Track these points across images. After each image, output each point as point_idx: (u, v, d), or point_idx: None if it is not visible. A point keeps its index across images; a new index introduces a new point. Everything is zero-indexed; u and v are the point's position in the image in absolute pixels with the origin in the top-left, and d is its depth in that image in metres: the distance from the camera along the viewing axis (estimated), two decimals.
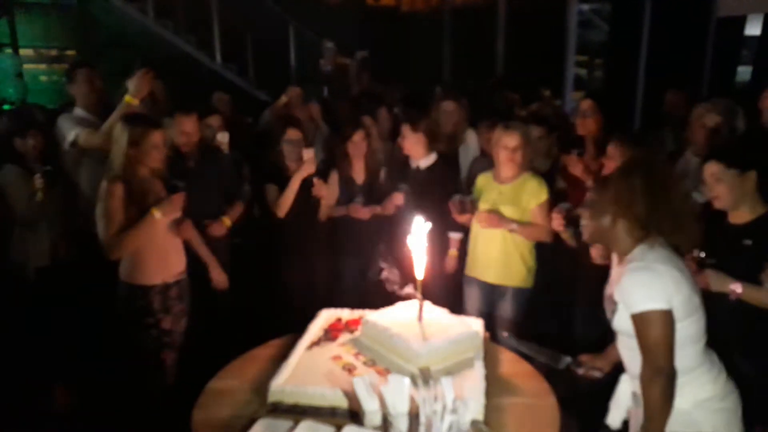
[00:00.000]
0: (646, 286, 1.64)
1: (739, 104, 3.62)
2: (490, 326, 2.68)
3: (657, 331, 1.63)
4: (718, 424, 1.72)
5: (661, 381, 1.63)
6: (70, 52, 8.68)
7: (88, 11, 7.42)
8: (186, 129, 3.04)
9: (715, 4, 7.08)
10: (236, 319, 3.14)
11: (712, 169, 2.08)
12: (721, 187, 2.06)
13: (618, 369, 1.96)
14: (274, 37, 7.39)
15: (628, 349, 1.79)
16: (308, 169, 3.15)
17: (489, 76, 7.87)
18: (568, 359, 2.06)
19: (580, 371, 2.01)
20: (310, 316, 2.54)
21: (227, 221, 3.21)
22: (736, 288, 1.94)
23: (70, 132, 3.02)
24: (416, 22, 9.51)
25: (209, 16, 6.94)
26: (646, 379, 1.66)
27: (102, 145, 2.79)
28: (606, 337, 2.01)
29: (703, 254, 1.99)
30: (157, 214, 2.47)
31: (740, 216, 2.09)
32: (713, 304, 1.98)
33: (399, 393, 1.77)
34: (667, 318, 1.63)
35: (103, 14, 7.36)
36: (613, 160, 2.42)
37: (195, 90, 5.96)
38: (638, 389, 1.74)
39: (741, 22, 7.22)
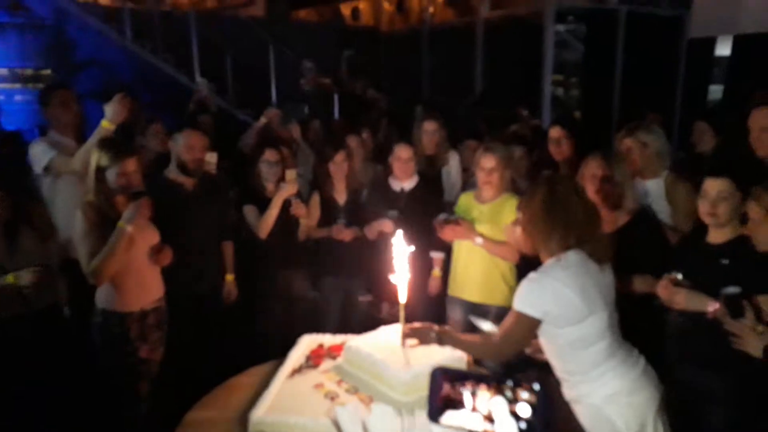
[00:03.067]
0: (526, 293, 1.86)
1: (713, 122, 3.72)
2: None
3: (516, 329, 1.88)
4: (629, 418, 1.82)
5: (494, 354, 2.08)
6: (45, 72, 8.58)
7: (64, 31, 7.35)
8: (192, 144, 2.95)
9: (686, 26, 7.29)
10: (213, 345, 3.07)
11: (721, 186, 2.08)
12: (724, 206, 2.07)
13: None
14: (253, 57, 7.39)
15: (548, 352, 1.95)
16: (290, 189, 3.12)
17: (468, 94, 7.98)
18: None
19: (528, 351, 2.12)
20: (290, 340, 2.51)
21: (230, 277, 3.19)
22: (713, 307, 1.95)
23: (45, 156, 2.96)
24: (395, 42, 9.62)
25: (188, 36, 6.92)
26: (488, 345, 1.98)
27: (78, 171, 2.74)
28: None
29: (680, 276, 2.01)
30: (123, 225, 2.40)
31: (719, 236, 2.11)
32: (687, 321, 2.05)
33: (383, 422, 1.74)
34: (530, 324, 1.84)
35: (79, 34, 7.30)
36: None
37: (174, 110, 5.95)
38: (572, 390, 1.90)
39: (711, 43, 7.44)
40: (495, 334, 1.98)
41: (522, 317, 1.85)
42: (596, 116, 7.70)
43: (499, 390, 1.10)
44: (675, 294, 2.00)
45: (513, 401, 1.09)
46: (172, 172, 2.99)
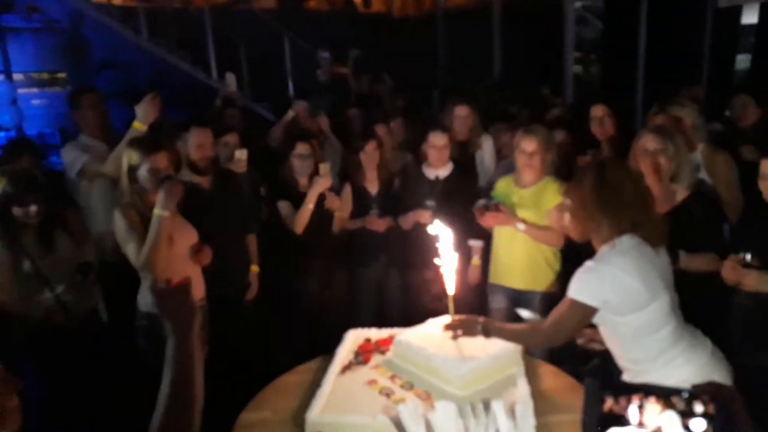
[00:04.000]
0: (583, 282, 1.81)
1: (744, 92, 3.60)
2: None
3: (570, 317, 1.83)
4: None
5: (543, 343, 2.06)
6: (61, 75, 8.62)
7: (80, 33, 7.35)
8: (201, 142, 2.89)
9: None
10: (254, 342, 3.05)
11: None
12: None
13: None
14: (269, 50, 7.33)
15: (609, 343, 1.91)
16: (324, 183, 3.07)
17: (486, 77, 7.85)
18: None
19: (581, 341, 2.08)
20: (330, 334, 2.47)
21: (256, 268, 3.14)
22: None
23: (78, 161, 2.94)
24: (410, 27, 9.48)
25: (203, 32, 6.87)
26: (536, 333, 1.94)
27: (111, 174, 2.72)
28: None
29: (749, 256, 1.93)
30: (158, 212, 2.37)
31: None
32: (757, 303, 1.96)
33: (447, 420, 1.69)
34: (586, 313, 1.80)
35: (94, 35, 7.29)
36: (663, 152, 2.36)
37: (193, 107, 5.92)
38: (636, 378, 1.85)
39: (737, 11, 7.21)
40: (543, 321, 1.94)
41: (578, 306, 1.79)
42: (619, 93, 7.53)
43: (669, 403, 1.01)
44: (744, 276, 1.93)
45: (687, 415, 1.01)
46: (186, 174, 2.93)
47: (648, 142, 2.35)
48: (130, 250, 2.41)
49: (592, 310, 1.79)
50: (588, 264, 1.82)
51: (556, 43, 7.35)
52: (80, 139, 3.11)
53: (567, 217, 1.93)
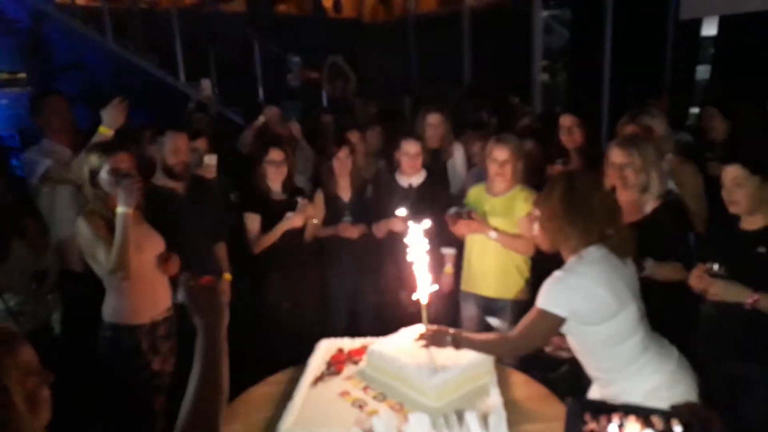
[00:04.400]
0: (552, 292, 1.82)
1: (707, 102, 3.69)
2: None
3: (538, 327, 1.85)
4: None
5: (511, 352, 2.13)
6: (21, 76, 8.33)
7: (41, 33, 7.12)
8: (177, 147, 2.83)
9: (672, 7, 7.28)
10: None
11: (734, 173, 2.05)
12: (741, 192, 2.03)
13: None
14: (238, 53, 7.24)
15: (578, 353, 1.93)
16: (297, 221, 3.04)
17: (456, 84, 7.91)
18: None
19: (548, 349, 2.11)
20: (301, 345, 2.44)
21: (228, 276, 3.09)
22: (752, 298, 1.91)
23: (40, 166, 2.84)
24: (380, 33, 9.50)
25: (171, 35, 6.74)
26: (504, 343, 1.96)
27: (76, 180, 2.63)
28: None
29: (716, 266, 1.97)
30: (120, 210, 2.30)
31: (753, 222, 2.06)
32: (723, 312, 2.01)
33: (420, 430, 1.69)
34: (555, 323, 1.81)
35: (57, 36, 7.07)
36: (628, 165, 2.40)
37: (160, 111, 5.80)
38: (605, 388, 1.87)
39: (697, 23, 7.44)
40: (512, 331, 1.95)
41: (546, 315, 1.81)
42: (585, 100, 7.69)
43: (649, 423, 1.01)
44: (711, 285, 1.96)
45: None
46: (160, 179, 2.88)
47: (614, 155, 2.39)
48: (99, 254, 2.33)
49: (560, 320, 1.81)
50: (557, 274, 1.84)
51: (524, 52, 7.47)
52: (43, 143, 3.00)
53: (536, 227, 1.96)
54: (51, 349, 2.47)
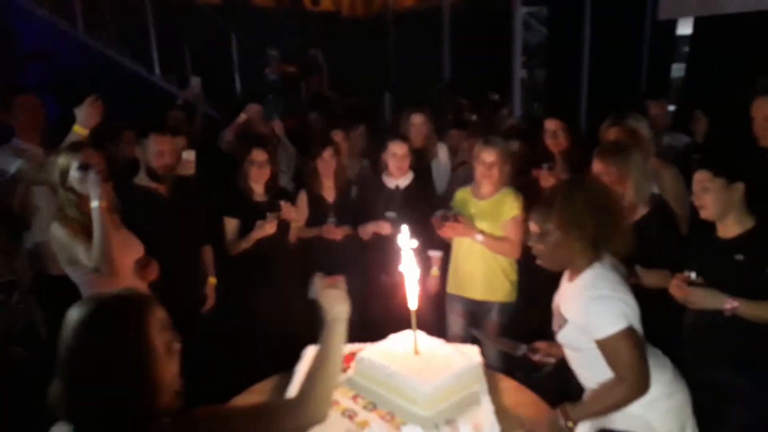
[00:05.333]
0: (611, 310, 1.69)
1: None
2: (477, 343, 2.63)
3: (626, 352, 1.68)
4: (670, 423, 1.78)
5: (630, 397, 1.70)
6: None
7: (8, 23, 6.86)
8: (162, 149, 2.76)
9: (649, 6, 7.36)
10: (208, 360, 2.91)
11: (700, 177, 2.06)
12: (707, 197, 2.04)
13: None
14: (214, 47, 7.09)
15: (577, 366, 1.89)
16: (269, 229, 2.96)
17: (436, 80, 7.89)
18: (524, 347, 2.17)
19: (536, 357, 2.11)
20: (287, 351, 2.39)
21: (213, 280, 3.03)
22: (730, 304, 1.92)
23: (10, 167, 2.72)
24: (360, 27, 9.41)
25: (145, 27, 6.56)
26: (620, 390, 1.71)
27: (49, 181, 2.53)
28: None
29: (693, 274, 1.98)
30: (93, 204, 2.21)
31: (729, 229, 2.07)
32: (703, 320, 2.02)
33: None
34: (632, 335, 1.69)
35: (24, 25, 6.82)
36: (606, 176, 2.38)
37: (133, 106, 5.64)
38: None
39: (673, 22, 7.54)
40: (613, 378, 1.74)
41: (627, 334, 1.68)
42: (563, 97, 7.75)
43: None
44: (689, 294, 1.96)
45: None
46: (143, 180, 2.80)
47: (594, 164, 2.40)
48: (79, 255, 2.23)
49: (632, 331, 1.69)
50: (591, 294, 1.73)
51: (504, 49, 7.48)
52: (13, 142, 2.88)
53: (540, 245, 1.81)
54: (39, 352, 2.41)
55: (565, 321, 1.84)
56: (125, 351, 1.13)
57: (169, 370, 1.21)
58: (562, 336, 1.87)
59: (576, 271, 1.83)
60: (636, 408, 1.74)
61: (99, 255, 2.21)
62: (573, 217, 1.74)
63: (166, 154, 2.78)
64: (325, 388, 1.36)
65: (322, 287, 1.51)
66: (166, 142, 2.78)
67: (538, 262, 1.88)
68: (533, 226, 1.84)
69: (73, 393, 1.12)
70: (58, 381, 1.14)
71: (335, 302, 1.47)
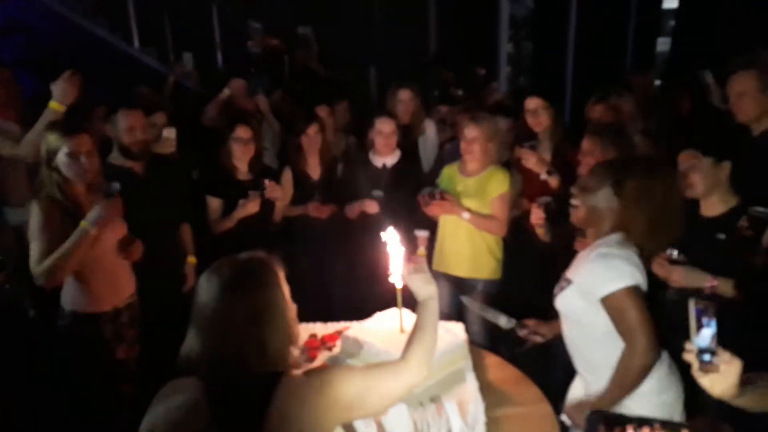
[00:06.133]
0: (615, 268, 1.67)
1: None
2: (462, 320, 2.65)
3: (633, 311, 1.65)
4: (659, 417, 1.71)
5: (644, 362, 1.65)
6: None
7: None
8: (132, 124, 2.68)
9: None
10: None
11: (687, 155, 2.07)
12: (695, 176, 2.05)
13: (559, 339, 2.02)
14: (196, 18, 6.91)
15: (573, 347, 1.86)
16: (252, 208, 2.91)
17: (422, 54, 7.79)
18: (513, 321, 2.19)
19: (523, 333, 2.13)
20: None
21: (192, 259, 2.97)
22: (711, 282, 1.93)
23: None
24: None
25: None
26: (632, 357, 1.67)
27: (27, 158, 2.47)
28: None
29: (676, 252, 2.00)
30: (87, 226, 2.15)
31: (712, 208, 2.09)
32: (682, 299, 2.04)
33: (399, 422, 1.68)
34: (640, 295, 1.66)
35: None
36: (591, 155, 2.38)
37: (112, 81, 5.50)
38: (591, 386, 1.81)
39: None
40: (624, 349, 1.70)
41: (634, 292, 1.65)
42: (549, 70, 7.71)
43: None
44: (671, 272, 1.97)
45: None
46: (117, 158, 2.73)
47: (584, 143, 2.40)
48: (33, 250, 2.15)
49: (638, 290, 1.67)
50: (603, 251, 1.72)
51: (490, 21, 7.39)
52: None
53: (582, 203, 1.81)
54: (25, 332, 2.38)
55: (568, 283, 1.82)
56: (270, 304, 1.28)
57: (292, 312, 1.36)
58: (561, 299, 1.84)
59: (599, 236, 1.80)
60: (628, 401, 1.71)
61: (47, 269, 2.12)
62: (642, 196, 1.71)
63: (137, 130, 2.70)
64: (425, 354, 1.48)
65: (409, 272, 1.64)
66: (136, 117, 2.70)
67: (572, 219, 1.86)
68: (585, 181, 1.82)
69: (215, 350, 1.24)
70: (195, 342, 1.26)
71: (423, 284, 1.59)
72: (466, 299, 2.55)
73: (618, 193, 1.73)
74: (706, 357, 1.24)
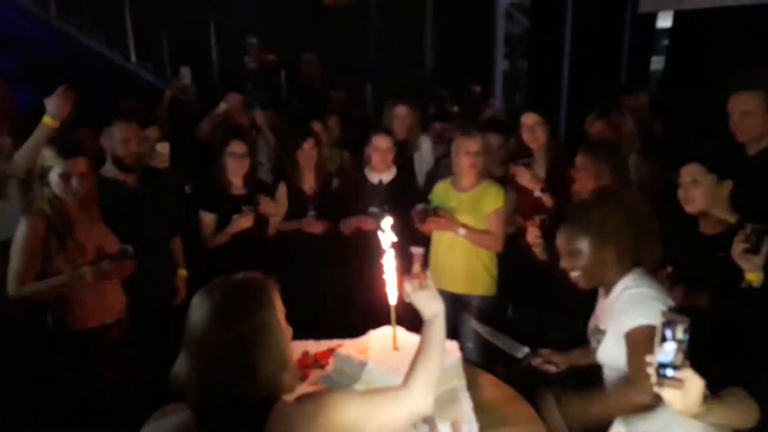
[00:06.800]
0: (642, 304, 1.63)
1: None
2: (456, 337, 2.62)
3: (647, 350, 1.53)
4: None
5: (638, 401, 1.57)
6: None
7: None
8: (127, 136, 2.68)
9: (629, 0, 7.39)
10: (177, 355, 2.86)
11: (691, 170, 2.06)
12: (697, 191, 2.04)
13: (574, 370, 2.02)
14: (193, 34, 6.94)
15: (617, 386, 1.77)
16: (246, 222, 2.91)
17: (418, 70, 7.84)
18: (526, 349, 2.13)
19: (536, 362, 2.07)
20: None
21: (184, 273, 2.96)
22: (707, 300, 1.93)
23: None
24: (341, 15, 9.30)
25: (120, 11, 6.39)
26: (626, 394, 1.62)
27: (19, 173, 2.45)
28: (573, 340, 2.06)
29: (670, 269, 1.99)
30: (86, 272, 2.18)
31: (712, 226, 2.08)
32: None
33: None
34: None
35: None
36: (584, 171, 2.38)
37: (108, 94, 5.49)
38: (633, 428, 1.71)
39: (653, 16, 7.59)
40: (630, 373, 1.65)
41: (649, 333, 1.51)
42: (544, 88, 7.77)
43: None
44: (673, 290, 1.93)
45: None
46: (110, 171, 2.73)
47: (578, 159, 2.41)
48: (12, 266, 2.15)
49: None
50: (635, 290, 1.68)
51: (486, 39, 7.46)
52: None
53: (574, 268, 1.74)
54: (44, 342, 2.34)
55: (602, 334, 1.75)
56: (263, 329, 1.20)
57: (288, 335, 1.30)
58: (602, 352, 1.76)
59: (613, 283, 1.75)
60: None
61: (25, 294, 2.14)
62: (607, 234, 1.67)
63: (133, 142, 2.70)
64: (428, 380, 1.41)
65: (414, 290, 1.59)
66: (131, 129, 2.71)
67: (574, 278, 1.77)
68: (562, 245, 1.76)
69: (203, 375, 1.17)
70: (184, 365, 1.20)
71: (429, 302, 1.55)
72: (476, 324, 2.48)
73: (598, 238, 1.68)
74: (668, 372, 1.21)
